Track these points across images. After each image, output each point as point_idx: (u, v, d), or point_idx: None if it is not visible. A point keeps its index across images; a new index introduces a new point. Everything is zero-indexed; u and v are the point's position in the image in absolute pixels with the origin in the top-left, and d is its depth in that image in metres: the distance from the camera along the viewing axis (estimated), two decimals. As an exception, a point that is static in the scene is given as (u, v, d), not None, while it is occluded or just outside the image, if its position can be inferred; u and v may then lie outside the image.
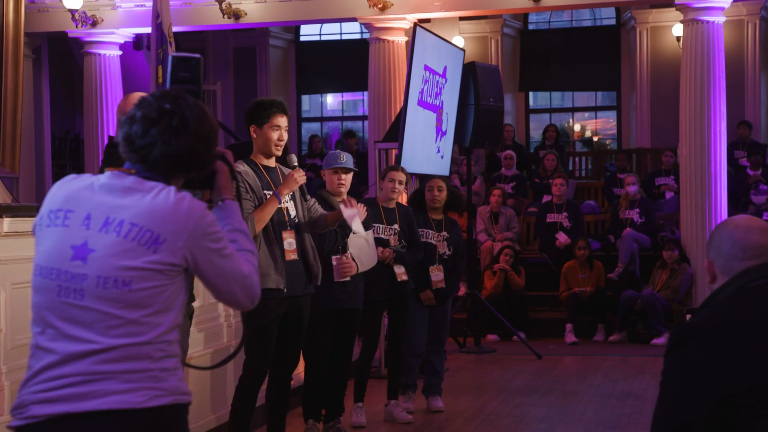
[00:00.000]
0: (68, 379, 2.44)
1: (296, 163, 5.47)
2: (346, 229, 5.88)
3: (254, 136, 5.29)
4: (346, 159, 6.08)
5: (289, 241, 5.31)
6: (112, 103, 12.41)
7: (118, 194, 2.53)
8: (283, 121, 5.28)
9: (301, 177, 5.31)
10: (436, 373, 7.32)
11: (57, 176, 13.23)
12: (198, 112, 2.59)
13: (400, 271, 6.70)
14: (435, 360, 7.30)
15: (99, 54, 12.63)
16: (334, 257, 6.02)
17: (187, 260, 2.53)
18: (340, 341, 6.21)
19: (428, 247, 7.10)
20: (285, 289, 5.22)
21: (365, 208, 6.03)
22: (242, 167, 5.21)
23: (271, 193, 5.25)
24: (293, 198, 5.39)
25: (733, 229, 2.62)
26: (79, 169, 13.73)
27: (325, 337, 6.08)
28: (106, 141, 12.09)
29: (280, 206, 5.27)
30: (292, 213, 5.37)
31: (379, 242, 6.64)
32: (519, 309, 10.92)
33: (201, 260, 2.55)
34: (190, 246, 2.52)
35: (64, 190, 2.60)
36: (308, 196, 5.56)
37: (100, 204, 2.53)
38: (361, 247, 6.14)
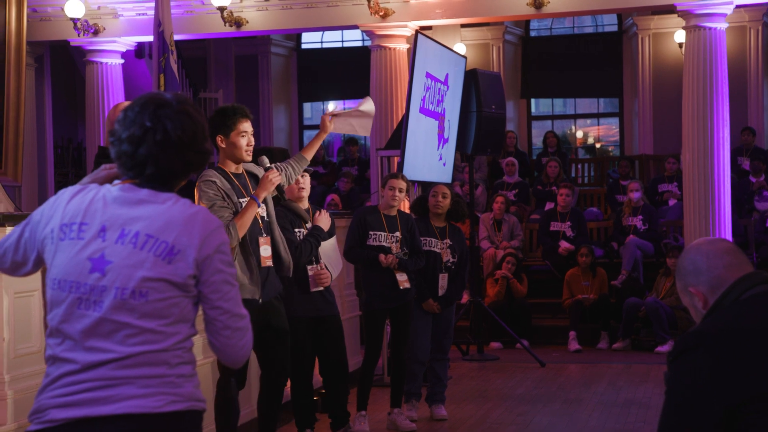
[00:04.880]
0: (87, 384, 2.47)
1: (269, 164, 5.42)
2: (319, 239, 6.00)
3: (222, 146, 5.17)
4: None
5: (265, 247, 5.30)
6: (114, 111, 12.40)
7: (132, 206, 2.56)
8: (248, 126, 5.20)
9: (276, 177, 5.27)
10: (439, 381, 7.30)
11: (59, 184, 13.24)
12: (180, 118, 2.57)
13: (402, 278, 6.70)
14: (438, 368, 7.28)
15: (101, 62, 12.64)
16: (309, 267, 6.06)
17: (199, 270, 2.54)
18: (330, 348, 6.21)
19: (433, 255, 7.09)
20: (260, 299, 5.20)
21: (328, 215, 6.10)
22: (215, 178, 5.12)
23: (246, 200, 5.17)
24: (265, 201, 5.33)
25: (699, 248, 2.67)
26: (81, 178, 13.69)
27: (307, 347, 6.11)
28: (108, 149, 12.07)
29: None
30: (264, 216, 5.34)
31: (381, 250, 6.64)
32: (522, 316, 10.89)
33: (208, 276, 2.55)
34: (202, 258, 2.54)
35: (74, 203, 2.60)
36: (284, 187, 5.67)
37: (114, 216, 2.55)
38: (329, 254, 6.19)
